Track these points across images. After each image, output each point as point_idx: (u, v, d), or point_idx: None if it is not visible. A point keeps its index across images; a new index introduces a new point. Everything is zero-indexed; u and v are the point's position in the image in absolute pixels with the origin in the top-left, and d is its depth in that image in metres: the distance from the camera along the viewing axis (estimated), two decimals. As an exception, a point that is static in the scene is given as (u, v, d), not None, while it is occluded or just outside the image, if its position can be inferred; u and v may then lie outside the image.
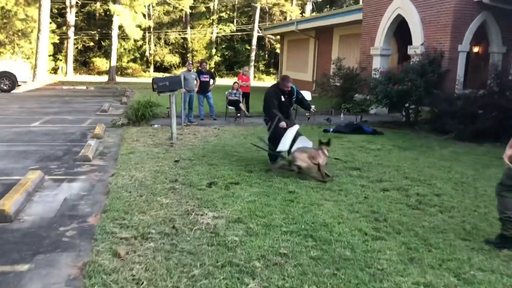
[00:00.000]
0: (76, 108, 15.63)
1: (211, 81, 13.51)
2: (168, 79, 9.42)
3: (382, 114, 14.90)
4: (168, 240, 3.97)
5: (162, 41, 49.78)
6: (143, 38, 47.90)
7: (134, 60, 47.84)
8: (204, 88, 13.13)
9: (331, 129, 11.33)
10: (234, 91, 13.37)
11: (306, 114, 14.22)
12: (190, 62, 13.81)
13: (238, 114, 13.31)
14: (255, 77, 43.06)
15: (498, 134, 10.38)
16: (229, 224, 4.39)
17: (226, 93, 13.51)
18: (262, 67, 48.18)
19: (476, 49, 13.89)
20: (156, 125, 11.60)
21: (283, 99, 7.17)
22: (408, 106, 12.57)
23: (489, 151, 9.33)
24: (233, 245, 3.87)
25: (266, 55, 49.55)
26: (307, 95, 14.56)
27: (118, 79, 34.82)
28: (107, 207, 4.84)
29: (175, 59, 48.01)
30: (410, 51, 13.42)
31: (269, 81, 42.43)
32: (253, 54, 42.64)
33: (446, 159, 8.36)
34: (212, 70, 45.58)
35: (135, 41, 45.68)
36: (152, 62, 48.60)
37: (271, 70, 47.44)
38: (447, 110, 11.12)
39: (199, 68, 13.57)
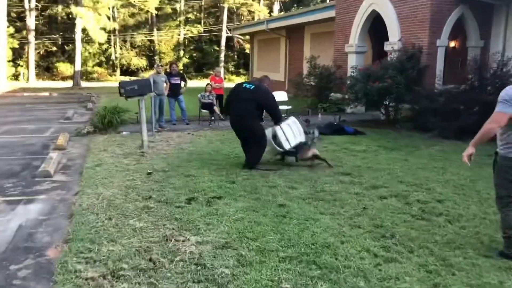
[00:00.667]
0: (38, 116, 14.61)
1: (183, 83, 12.80)
2: (136, 83, 8.67)
3: (360, 113, 14.49)
4: (145, 278, 3.28)
5: (128, 44, 48.48)
6: (108, 41, 46.49)
7: (99, 64, 46.40)
8: (175, 91, 12.39)
9: (312, 131, 10.78)
10: (208, 94, 12.68)
11: (284, 115, 13.68)
12: (159, 64, 13.04)
13: (212, 118, 12.64)
14: (225, 78, 42.16)
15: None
16: (217, 252, 3.73)
17: (198, 95, 12.81)
18: (232, 68, 47.52)
19: (452, 44, 13.64)
20: (124, 132, 10.80)
21: None
22: (387, 104, 12.17)
23: (478, 149, 8.96)
24: (225, 281, 3.23)
25: (236, 56, 48.87)
26: (282, 95, 14.03)
27: (84, 84, 33.50)
28: (70, 236, 4.11)
29: (142, 62, 46.88)
30: (387, 47, 13.05)
31: (240, 81, 41.83)
32: (222, 55, 41.96)
33: (436, 159, 7.93)
34: (181, 72, 44.82)
35: (100, 44, 44.26)
36: (118, 66, 47.22)
37: (241, 70, 46.82)
38: (429, 107, 10.76)
39: (169, 70, 12.84)
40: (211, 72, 42.81)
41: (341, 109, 15.13)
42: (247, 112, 6.92)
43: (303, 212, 4.80)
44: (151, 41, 48.29)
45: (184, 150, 8.59)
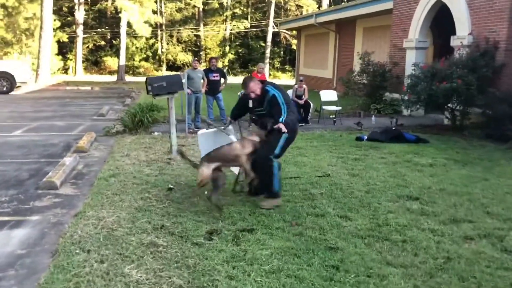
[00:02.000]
0: (72, 112, 13.93)
1: (222, 80, 11.67)
2: (165, 79, 7.58)
3: (419, 116, 12.87)
4: None
5: (175, 39, 48.27)
6: (155, 36, 46.50)
7: (146, 59, 46.39)
8: (213, 89, 11.29)
9: (365, 137, 9.38)
10: (248, 92, 11.48)
11: (331, 116, 12.33)
12: (196, 58, 11.97)
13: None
14: (270, 74, 41.16)
15: None
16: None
17: (239, 93, 11.63)
18: (277, 64, 46.28)
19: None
20: (156, 133, 9.81)
21: (250, 104, 5.26)
22: (454, 107, 10.53)
23: None
24: None
25: (282, 52, 47.53)
26: (331, 94, 12.64)
27: (129, 78, 33.26)
28: (41, 289, 3.01)
29: (188, 58, 46.42)
30: (454, 42, 11.36)
31: (285, 78, 40.47)
32: (268, 51, 40.67)
33: (526, 179, 6.37)
34: (226, 68, 43.98)
35: (147, 39, 44.29)
36: (164, 61, 47.08)
37: (287, 67, 45.50)
38: (508, 113, 9.08)
39: (209, 65, 11.75)
40: (256, 69, 41.95)
41: (397, 111, 13.57)
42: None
43: (363, 262, 3.49)
44: (198, 36, 47.84)
45: (217, 157, 7.43)
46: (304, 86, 11.91)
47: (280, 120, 4.74)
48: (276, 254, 3.59)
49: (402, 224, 4.41)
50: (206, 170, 4.61)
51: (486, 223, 4.49)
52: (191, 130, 10.31)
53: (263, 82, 5.21)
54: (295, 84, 12.11)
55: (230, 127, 5.62)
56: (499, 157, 7.89)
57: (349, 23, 20.33)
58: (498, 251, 3.83)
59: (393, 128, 9.74)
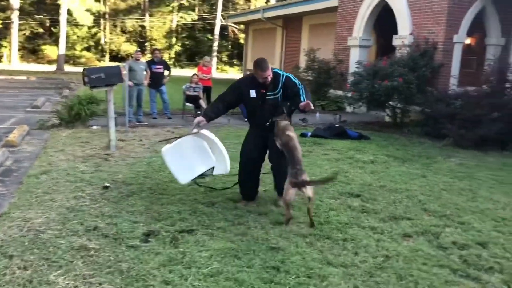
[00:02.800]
0: (4, 103, 13.09)
1: (166, 73, 11.36)
2: (103, 70, 7.22)
3: (361, 113, 13.16)
4: None
5: (119, 29, 46.84)
6: (98, 25, 44.85)
7: (88, 49, 44.70)
8: (157, 81, 10.97)
9: (309, 133, 9.44)
10: (193, 85, 11.27)
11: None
12: (139, 49, 11.56)
13: (198, 112, 11.21)
14: (217, 68, 40.89)
15: (504, 141, 8.82)
16: None
17: (183, 87, 11.39)
18: (225, 58, 46.08)
19: (468, 41, 12.31)
20: (94, 127, 9.38)
21: (253, 94, 4.69)
22: (395, 105, 10.84)
23: (502, 163, 7.69)
24: None
25: (230, 46, 47.28)
26: (278, 90, 12.64)
27: (69, 68, 31.82)
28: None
29: (133, 48, 45.09)
30: (396, 41, 11.69)
31: (232, 73, 40.31)
32: (215, 44, 40.30)
33: (460, 176, 6.61)
34: (172, 60, 43.15)
35: (89, 28, 42.69)
36: (107, 51, 45.53)
37: (235, 61, 45.36)
38: (444, 112, 9.45)
39: (152, 57, 11.40)
40: (201, 62, 41.49)
41: (341, 108, 13.82)
42: None
43: (304, 262, 3.44)
44: (143, 26, 46.66)
45: (158, 153, 7.16)
46: (250, 81, 11.81)
47: (302, 99, 4.45)
48: (216, 256, 3.46)
49: (343, 222, 4.41)
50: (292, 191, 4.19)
51: (423, 220, 4.58)
52: (133, 124, 9.96)
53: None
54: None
55: (204, 131, 4.74)
56: (436, 154, 8.17)
57: (295, 19, 20.46)
58: (434, 248, 3.91)
59: (337, 125, 9.87)
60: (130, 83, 10.08)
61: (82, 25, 39.91)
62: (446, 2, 10.27)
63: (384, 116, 11.93)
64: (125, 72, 9.81)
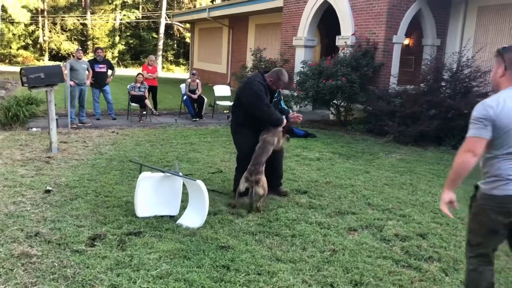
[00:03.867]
0: None
1: (110, 72, 11.07)
2: (43, 70, 6.92)
3: (307, 112, 13.39)
4: None
5: (58, 26, 44.92)
6: (36, 22, 42.88)
7: (25, 47, 42.59)
8: (100, 81, 10.66)
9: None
10: (138, 85, 11.04)
11: (225, 111, 12.35)
12: (80, 48, 11.16)
13: (144, 112, 11.03)
14: (163, 67, 40.29)
15: (441, 137, 9.31)
16: None
17: (128, 87, 11.15)
18: (171, 57, 45.39)
19: (406, 42, 12.85)
20: (34, 129, 8.97)
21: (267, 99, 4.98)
22: (339, 103, 11.14)
23: (439, 158, 8.12)
24: None
25: (175, 45, 46.68)
26: (225, 89, 12.67)
27: (4, 68, 30.19)
28: None
29: (74, 47, 43.52)
30: (339, 41, 12.01)
31: (179, 72, 39.85)
32: (161, 43, 39.64)
33: (400, 171, 6.91)
34: (116, 59, 42.01)
35: (26, 25, 40.71)
36: (47, 50, 43.60)
37: (181, 60, 44.85)
38: (385, 109, 9.83)
39: (94, 56, 11.06)
40: (146, 61, 40.61)
41: (288, 107, 13.98)
42: (232, 111, 5.46)
43: (254, 259, 3.47)
44: (84, 25, 45.06)
45: (103, 155, 6.99)
46: (198, 80, 11.75)
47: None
48: (165, 257, 3.42)
49: (291, 218, 4.49)
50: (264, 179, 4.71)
51: (367, 214, 4.76)
52: (75, 125, 9.63)
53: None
54: (188, 78, 11.89)
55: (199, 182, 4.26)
56: (378, 151, 8.49)
57: (242, 19, 20.53)
58: (378, 240, 4.07)
59: (284, 123, 9.99)
60: (72, 83, 9.75)
61: (18, 23, 38.02)
62: (386, 3, 10.67)
63: (329, 114, 12.23)
64: (66, 71, 9.51)
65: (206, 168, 6.40)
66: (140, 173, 4.41)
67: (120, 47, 44.60)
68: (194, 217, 4.17)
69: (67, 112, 9.58)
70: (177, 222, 4.18)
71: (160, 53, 39.06)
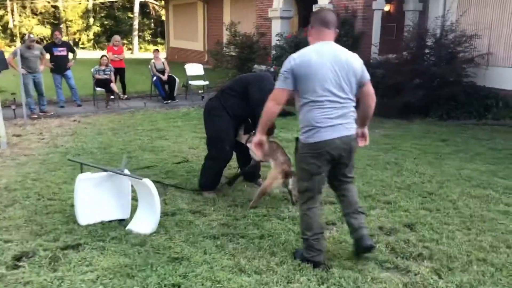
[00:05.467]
0: None
1: (71, 55, 10.27)
2: (-18, 56, 6.17)
3: (287, 87, 12.77)
4: None
5: (28, 10, 43.17)
6: (4, 7, 41.16)
7: (-5, 33, 40.94)
8: (60, 66, 9.87)
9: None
10: (103, 68, 10.28)
11: (200, 92, 11.66)
12: (31, 35, 10.19)
13: (112, 97, 10.30)
14: (140, 48, 39.08)
15: (427, 107, 8.79)
16: None
17: (92, 70, 10.37)
18: (148, 37, 44.07)
19: (387, 8, 12.18)
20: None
21: None
22: (319, 77, 10.51)
23: (426, 131, 7.60)
24: None
25: (152, 24, 45.28)
26: (198, 68, 11.95)
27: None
28: None
29: (46, 31, 42.07)
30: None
31: (156, 52, 38.68)
32: (136, 23, 38.29)
33: (385, 149, 6.38)
34: (92, 42, 40.67)
35: (-6, 9, 39.10)
36: (18, 35, 41.91)
37: (159, 40, 43.53)
38: (367, 81, 9.23)
39: (52, 39, 10.23)
40: (125, 42, 39.22)
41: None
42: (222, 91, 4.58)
43: (212, 273, 2.89)
44: (56, 7, 43.37)
45: (58, 147, 6.33)
46: (162, 59, 11.01)
47: None
48: (103, 277, 2.83)
49: (261, 214, 3.92)
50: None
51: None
52: (36, 115, 8.89)
53: None
54: (152, 59, 11.12)
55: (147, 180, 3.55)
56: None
57: (216, -7, 19.64)
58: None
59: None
60: (23, 70, 8.89)
61: (-14, 7, 36.49)
62: (363, -33, 9.97)
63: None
64: (16, 57, 8.72)
65: (171, 158, 5.78)
66: (82, 173, 3.77)
67: (95, 28, 43.12)
68: (146, 221, 3.57)
69: (28, 102, 8.81)
70: (127, 228, 3.57)
71: (136, 33, 37.82)
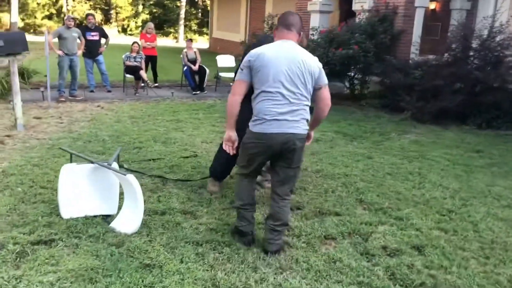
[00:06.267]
0: None
1: (103, 41, 10.27)
2: (3, 37, 6.13)
3: (322, 84, 12.31)
4: None
5: (82, -5, 44.38)
6: (59, -9, 42.49)
7: (49, 17, 42.31)
8: (92, 50, 9.88)
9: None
10: (134, 55, 10.20)
11: (231, 84, 11.39)
12: (70, 15, 10.36)
13: (143, 84, 10.23)
14: (186, 37, 39.28)
15: (465, 114, 8.16)
16: None
17: (123, 56, 10.32)
18: (194, 27, 44.30)
19: (432, 6, 11.48)
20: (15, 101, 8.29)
21: None
22: (353, 75, 10.03)
23: (460, 140, 7.01)
24: None
25: (200, 14, 45.48)
26: (230, 60, 11.70)
27: (29, 38, 29.90)
28: None
29: (97, 17, 43.14)
30: (356, 6, 10.78)
31: (202, 42, 38.79)
32: (182, 12, 38.55)
33: (410, 156, 5.90)
34: (139, 29, 41.32)
35: (50, -5, 40.44)
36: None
37: (205, 30, 43.67)
38: (402, 82, 8.69)
39: (85, 23, 10.27)
40: (172, 30, 39.56)
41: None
42: None
43: (180, 286, 2.63)
44: (107, -7, 44.35)
45: (72, 133, 6.24)
46: (195, 48, 10.83)
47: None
48: (63, 280, 2.63)
49: (256, 222, 3.61)
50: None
51: (355, 216, 3.83)
52: (64, 99, 8.92)
53: None
54: (185, 49, 10.94)
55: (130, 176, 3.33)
56: (390, 130, 7.46)
57: (260, -17, 19.30)
58: (358, 255, 3.16)
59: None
60: (60, 52, 9.01)
61: (42, -8, 37.77)
62: (408, -39, 9.37)
63: (344, 87, 11.13)
64: (52, 40, 8.82)
65: (181, 151, 5.56)
66: (71, 162, 3.60)
67: (144, 16, 43.74)
68: (129, 220, 3.34)
69: (52, 83, 8.86)
70: (110, 225, 3.36)
71: (182, 22, 38.10)
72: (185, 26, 40.43)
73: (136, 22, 42.88)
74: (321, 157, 5.59)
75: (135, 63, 10.10)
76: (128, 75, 10.14)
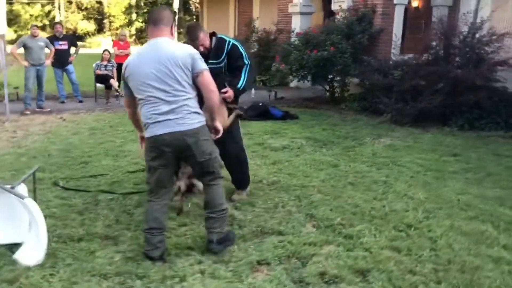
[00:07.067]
0: None
1: (72, 50, 9.93)
2: None
3: (305, 88, 11.94)
4: None
5: (74, 5, 44.34)
6: (52, 2, 42.46)
7: (43, 28, 42.15)
8: (61, 60, 9.55)
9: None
10: (105, 63, 9.87)
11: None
12: (35, 24, 10.05)
13: (116, 94, 9.86)
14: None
15: (446, 115, 7.75)
16: None
17: (93, 65, 9.98)
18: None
19: (415, 3, 11.09)
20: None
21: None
22: (332, 78, 9.64)
23: (439, 142, 6.61)
24: None
25: (194, 19, 45.30)
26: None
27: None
28: None
29: (91, 26, 43.19)
30: (334, 6, 10.41)
31: (194, 48, 38.58)
32: (176, 19, 38.34)
33: (380, 162, 5.49)
34: (133, 37, 41.13)
35: (42, 6, 40.39)
36: (64, 30, 43.12)
37: (198, 35, 43.47)
38: (380, 84, 8.29)
39: (53, 32, 9.96)
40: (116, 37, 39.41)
41: (284, 83, 12.56)
42: None
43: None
44: (100, 2, 44.31)
45: (20, 148, 5.87)
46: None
47: (240, 83, 3.83)
48: None
49: (183, 246, 3.20)
50: None
51: (299, 235, 3.41)
52: (29, 111, 8.55)
53: (213, 32, 3.98)
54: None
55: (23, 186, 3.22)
56: (366, 134, 7.05)
57: (247, -13, 18.99)
58: (290, 284, 2.74)
59: (260, 104, 8.61)
60: (26, 63, 8.67)
61: (34, 3, 37.72)
62: (385, -43, 9.00)
63: (324, 91, 10.74)
64: (18, 51, 8.55)
65: (130, 165, 5.17)
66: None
67: (138, 24, 43.73)
68: (33, 249, 2.95)
69: (22, 95, 8.51)
70: (13, 256, 2.97)
71: (175, 29, 37.90)
72: (180, 33, 40.26)
73: (130, 31, 42.73)
74: (282, 167, 5.19)
75: (106, 72, 9.76)
76: (98, 84, 9.79)
